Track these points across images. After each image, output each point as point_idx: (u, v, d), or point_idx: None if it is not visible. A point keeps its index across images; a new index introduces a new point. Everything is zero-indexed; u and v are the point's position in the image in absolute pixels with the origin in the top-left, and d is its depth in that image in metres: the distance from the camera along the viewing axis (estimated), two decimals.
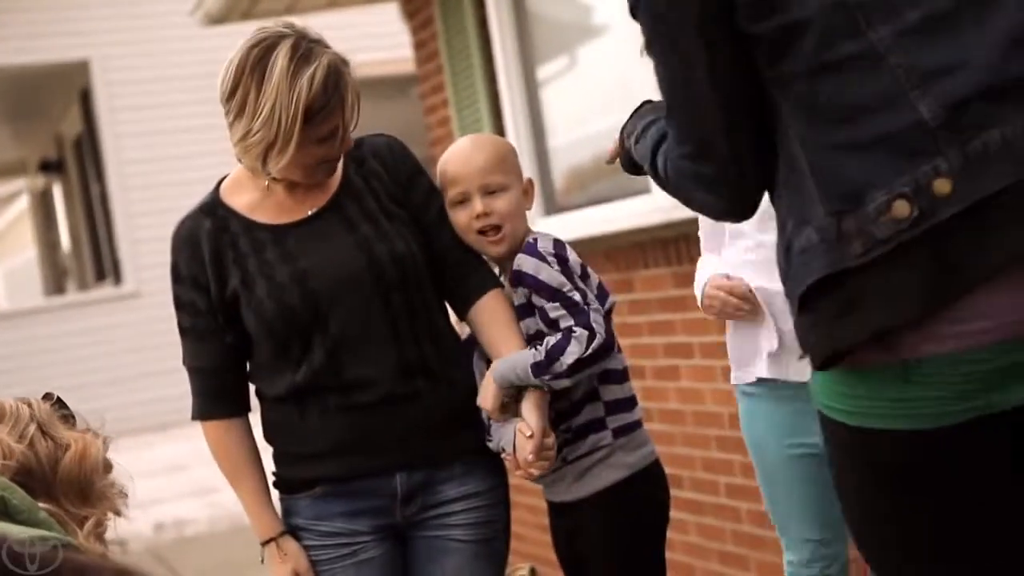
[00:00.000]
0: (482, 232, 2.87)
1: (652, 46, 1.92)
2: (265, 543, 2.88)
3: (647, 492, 2.89)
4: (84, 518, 1.95)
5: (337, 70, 2.71)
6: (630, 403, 2.91)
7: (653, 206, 4.83)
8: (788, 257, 1.83)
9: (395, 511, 2.86)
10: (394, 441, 2.82)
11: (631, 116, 2.29)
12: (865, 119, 1.72)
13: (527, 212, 2.96)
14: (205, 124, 10.80)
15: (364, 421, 2.81)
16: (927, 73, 1.69)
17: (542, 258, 2.80)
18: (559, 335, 2.74)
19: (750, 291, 3.14)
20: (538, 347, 2.75)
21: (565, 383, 2.74)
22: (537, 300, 2.80)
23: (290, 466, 2.90)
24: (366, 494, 2.85)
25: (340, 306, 2.78)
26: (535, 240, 2.84)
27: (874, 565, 1.91)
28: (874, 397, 1.76)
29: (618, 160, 2.44)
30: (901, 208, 1.67)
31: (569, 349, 2.72)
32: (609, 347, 2.76)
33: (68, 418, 2.06)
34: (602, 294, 2.89)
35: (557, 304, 2.77)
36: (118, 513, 2.10)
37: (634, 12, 1.92)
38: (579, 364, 2.72)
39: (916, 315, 1.68)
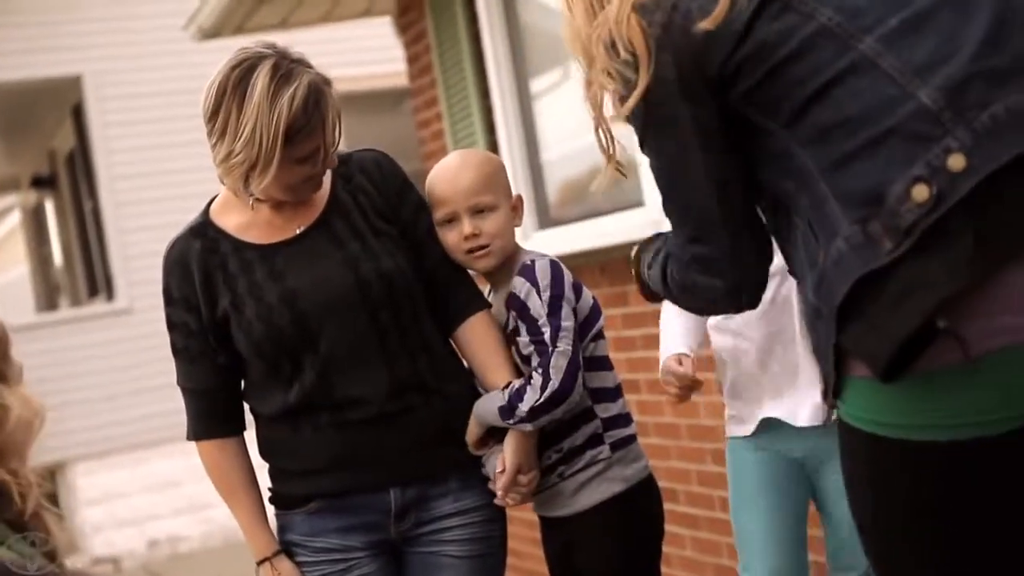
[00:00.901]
0: (470, 251, 2.87)
1: (646, 140, 1.97)
2: (260, 563, 2.87)
3: (643, 506, 2.88)
4: (29, 482, 1.88)
5: (318, 89, 2.70)
6: (626, 419, 2.90)
7: (647, 219, 4.82)
8: (820, 286, 1.82)
9: (389, 527, 2.85)
10: (387, 456, 2.81)
11: (641, 248, 2.32)
12: (869, 123, 1.74)
13: (516, 228, 2.95)
14: (198, 139, 10.65)
15: (357, 437, 2.80)
16: (921, 67, 1.73)
17: (535, 284, 2.79)
18: (521, 381, 2.77)
19: (695, 379, 3.16)
20: (504, 391, 2.77)
21: (529, 427, 2.75)
22: (520, 326, 2.80)
23: (285, 482, 2.89)
24: (360, 510, 2.84)
25: (329, 326, 2.77)
26: (532, 263, 2.83)
27: None
28: (938, 407, 1.74)
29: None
30: (920, 192, 1.68)
31: (526, 396, 2.73)
32: (564, 393, 2.72)
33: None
34: (594, 314, 2.89)
35: (528, 340, 2.78)
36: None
37: (629, 116, 1.97)
38: (534, 412, 2.73)
39: (965, 281, 1.66)
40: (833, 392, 1.86)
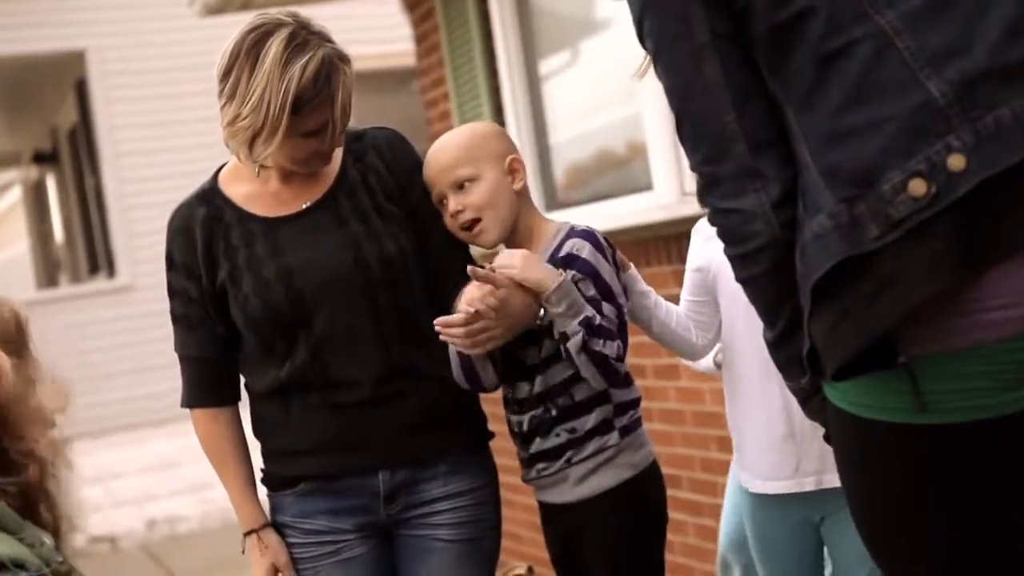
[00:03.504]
0: (466, 228, 2.83)
1: (658, 59, 1.92)
2: (247, 534, 2.88)
3: (648, 492, 2.86)
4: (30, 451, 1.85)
5: (331, 64, 2.67)
6: (636, 403, 2.87)
7: (655, 203, 4.80)
8: (804, 254, 1.80)
9: (379, 510, 2.85)
10: (376, 439, 2.80)
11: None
12: (872, 103, 1.72)
13: (516, 189, 2.87)
14: (202, 116, 10.73)
15: (346, 419, 2.79)
16: (935, 54, 1.70)
17: (601, 251, 2.75)
18: (612, 332, 2.69)
19: None
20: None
21: (576, 343, 2.65)
22: (586, 288, 2.72)
23: (275, 463, 2.90)
24: (349, 492, 2.84)
25: (325, 305, 2.76)
26: (590, 228, 2.80)
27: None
28: (923, 390, 1.73)
29: None
30: (917, 187, 1.66)
31: (609, 345, 2.67)
32: (616, 371, 2.72)
33: None
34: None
35: (613, 308, 2.72)
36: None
37: (640, 32, 1.94)
38: (603, 358, 2.66)
39: (946, 283, 1.65)
40: (809, 365, 1.84)
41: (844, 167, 1.73)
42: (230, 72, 2.66)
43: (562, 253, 2.76)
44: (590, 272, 2.73)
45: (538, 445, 2.82)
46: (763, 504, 3.09)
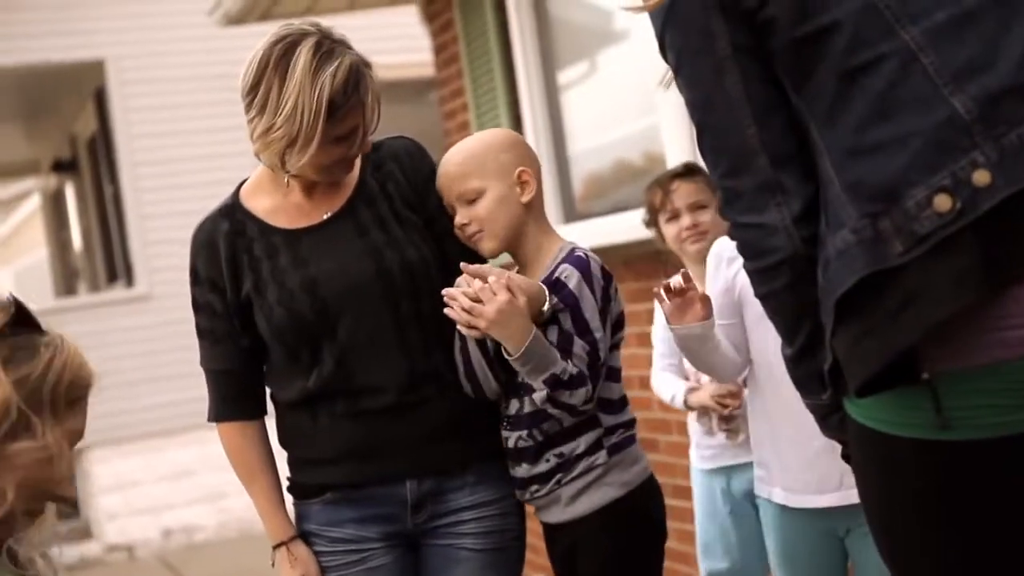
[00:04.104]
0: (469, 238, 2.86)
1: (680, 72, 1.92)
2: (276, 547, 2.88)
3: (643, 508, 2.85)
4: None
5: (358, 70, 2.71)
6: (628, 424, 2.86)
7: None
8: (826, 270, 1.79)
9: (406, 519, 2.86)
10: (403, 448, 2.81)
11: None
12: (897, 118, 1.71)
13: (524, 201, 2.86)
14: (221, 126, 10.77)
15: (373, 428, 2.80)
16: (959, 71, 1.69)
17: (589, 283, 2.74)
18: (580, 379, 2.69)
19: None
20: (572, 363, 2.69)
21: (540, 397, 2.69)
22: (563, 319, 2.73)
23: (302, 471, 2.91)
24: (376, 501, 2.84)
25: (348, 314, 2.78)
26: (586, 256, 2.79)
27: None
28: (943, 406, 1.72)
29: None
30: (943, 202, 1.65)
31: (575, 394, 2.69)
32: (583, 401, 2.72)
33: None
34: (619, 323, 2.85)
35: (585, 345, 2.72)
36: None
37: (662, 45, 1.93)
38: (569, 407, 2.70)
39: (971, 299, 1.65)
40: (831, 381, 1.84)
41: (867, 182, 1.72)
42: (259, 84, 2.68)
43: (554, 276, 2.77)
44: (572, 304, 2.73)
45: (527, 470, 2.83)
46: (792, 517, 3.09)
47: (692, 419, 3.92)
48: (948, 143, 1.67)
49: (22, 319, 1.88)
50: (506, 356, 2.69)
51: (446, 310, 2.69)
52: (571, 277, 2.74)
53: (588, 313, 2.73)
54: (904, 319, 1.68)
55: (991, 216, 1.64)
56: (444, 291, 2.69)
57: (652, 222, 3.87)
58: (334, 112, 2.66)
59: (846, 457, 2.00)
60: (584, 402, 2.70)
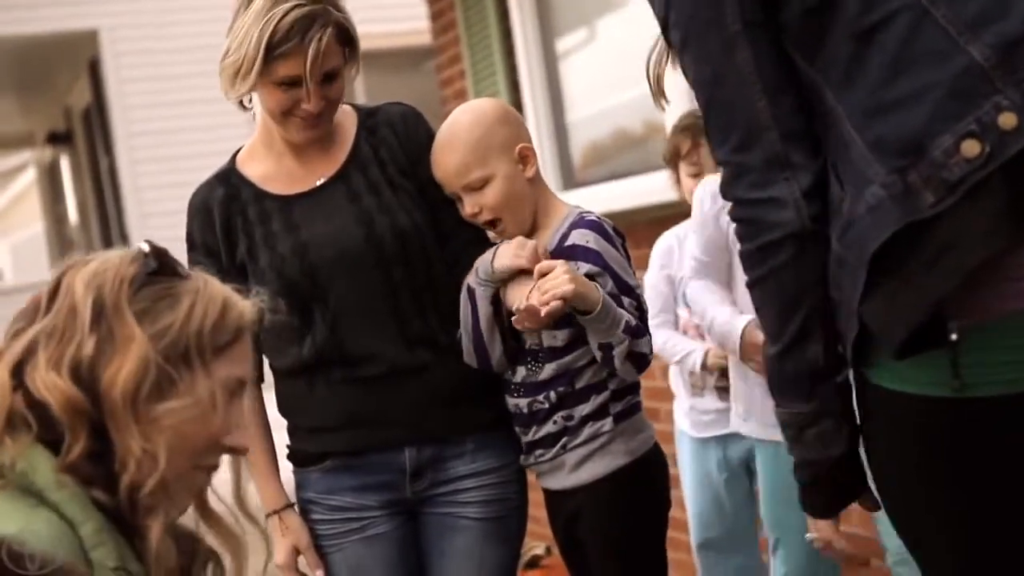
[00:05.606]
0: (484, 226, 2.82)
1: (686, 49, 1.91)
2: (268, 515, 2.87)
3: (647, 476, 2.83)
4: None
5: (314, 21, 2.65)
6: (633, 389, 2.83)
7: (672, 182, 4.75)
8: (847, 231, 1.77)
9: (405, 487, 2.85)
10: (401, 415, 2.80)
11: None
12: (914, 72, 1.72)
13: (528, 178, 2.83)
14: (216, 96, 10.68)
15: (370, 394, 2.80)
16: (973, 21, 1.71)
17: (611, 242, 2.73)
18: (643, 328, 2.70)
19: None
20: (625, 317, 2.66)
21: (621, 352, 2.65)
22: (603, 283, 2.68)
23: (301, 439, 2.91)
24: (375, 469, 2.84)
25: (339, 280, 2.77)
26: (597, 218, 2.77)
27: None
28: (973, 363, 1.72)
29: None
30: (971, 147, 1.66)
31: (646, 342, 2.69)
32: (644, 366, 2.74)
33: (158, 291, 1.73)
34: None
35: (632, 301, 2.70)
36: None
37: (665, 25, 1.92)
38: (642, 356, 2.69)
39: (1004, 242, 1.66)
40: (854, 349, 1.82)
41: (891, 138, 1.72)
42: (237, 12, 2.71)
43: (568, 242, 2.74)
44: (604, 265, 2.70)
45: (534, 432, 2.81)
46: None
47: (679, 383, 3.90)
48: (969, 90, 1.68)
49: (162, 268, 1.75)
50: (582, 320, 2.63)
51: (542, 313, 2.59)
52: (589, 240, 2.72)
53: (621, 271, 2.72)
54: (941, 266, 1.68)
55: (1017, 160, 1.65)
56: (524, 307, 2.61)
57: (672, 164, 3.86)
58: (273, 49, 2.64)
59: (803, 503, 1.99)
60: (651, 352, 2.72)
